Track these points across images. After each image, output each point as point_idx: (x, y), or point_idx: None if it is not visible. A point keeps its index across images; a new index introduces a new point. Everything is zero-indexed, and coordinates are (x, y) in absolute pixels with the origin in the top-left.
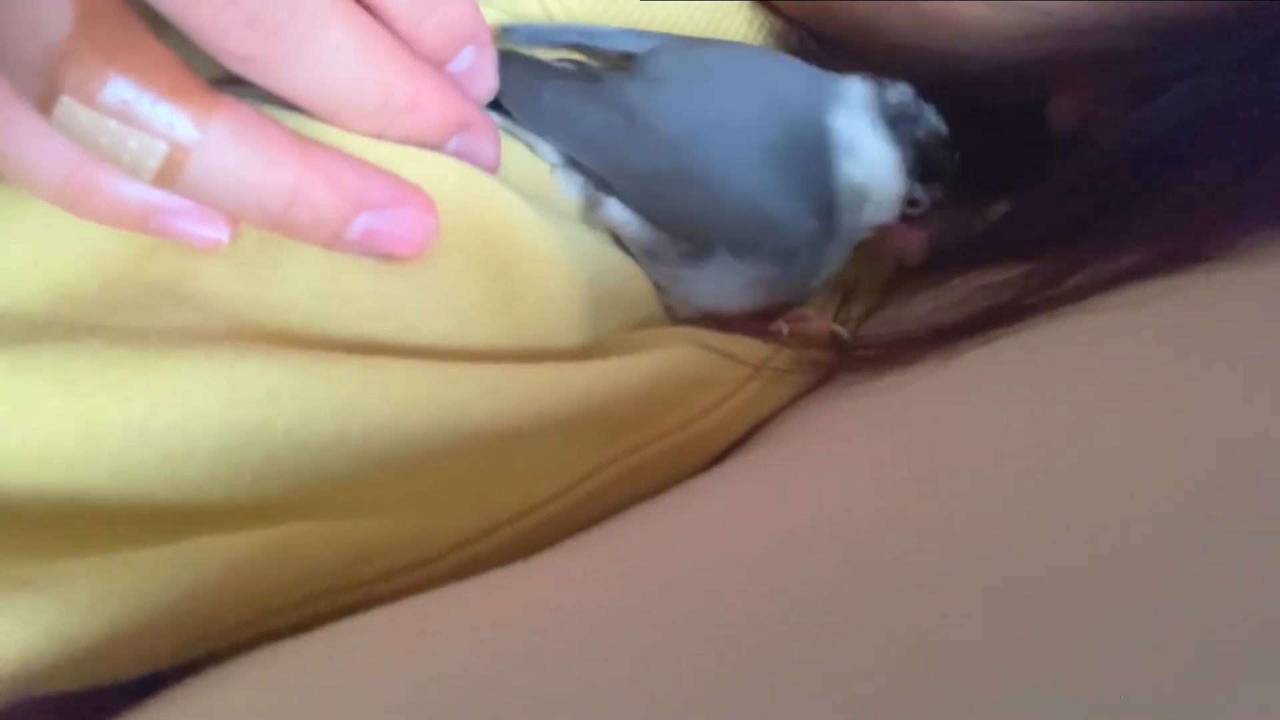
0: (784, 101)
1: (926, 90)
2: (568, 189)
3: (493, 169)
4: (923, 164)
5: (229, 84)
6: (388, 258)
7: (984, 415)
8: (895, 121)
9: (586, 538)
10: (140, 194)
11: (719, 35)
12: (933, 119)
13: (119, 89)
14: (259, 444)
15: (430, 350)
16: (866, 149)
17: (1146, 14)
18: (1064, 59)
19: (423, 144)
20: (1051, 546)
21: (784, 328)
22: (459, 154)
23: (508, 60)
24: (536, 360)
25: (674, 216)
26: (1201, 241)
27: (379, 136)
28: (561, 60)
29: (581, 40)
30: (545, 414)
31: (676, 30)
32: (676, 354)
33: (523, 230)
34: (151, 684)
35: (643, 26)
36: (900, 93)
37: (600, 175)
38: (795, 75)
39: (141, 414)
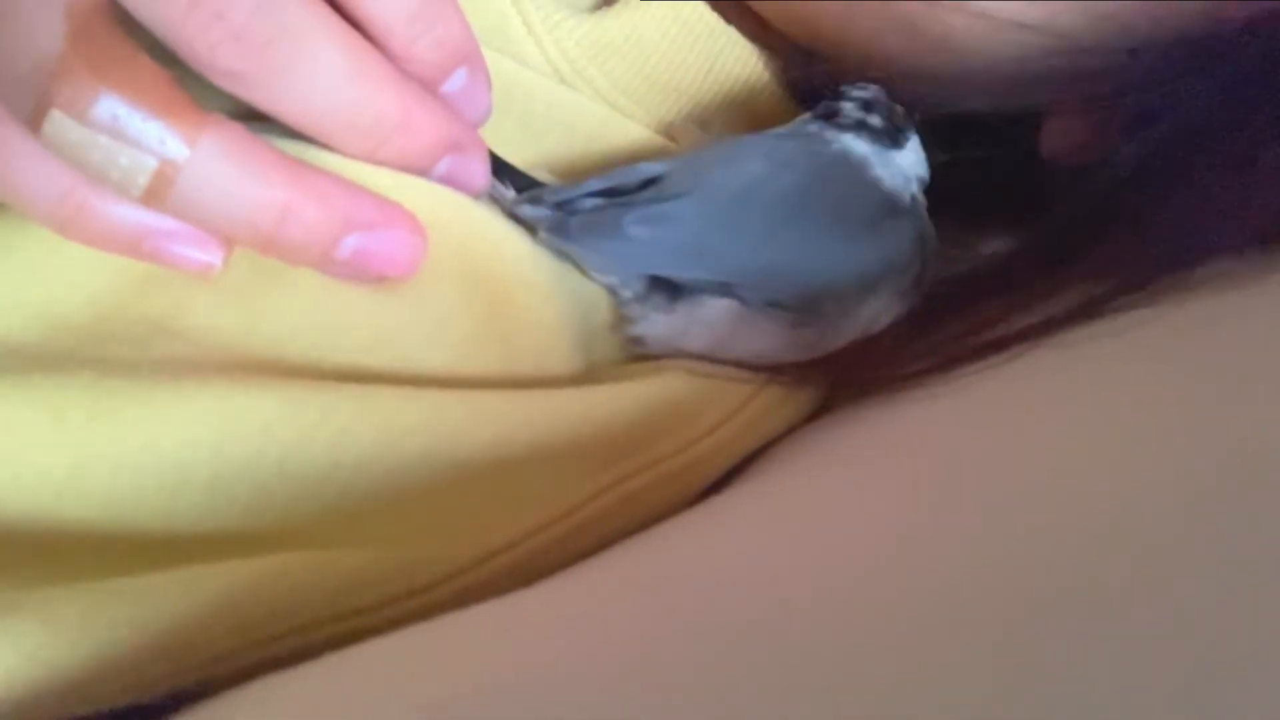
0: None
1: (922, 118)
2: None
3: (481, 192)
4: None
5: (248, 119)
6: (377, 279)
7: (1002, 439)
8: (886, 113)
9: (589, 566)
10: (133, 217)
11: (710, 70)
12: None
13: (110, 105)
14: (251, 475)
15: (425, 379)
16: (890, 151)
17: (1142, 34)
18: (1058, 80)
19: (414, 164)
20: (1071, 567)
21: None
22: (450, 175)
23: (578, 209)
24: (532, 388)
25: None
26: (1201, 263)
27: (370, 156)
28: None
29: (606, 185)
30: (539, 441)
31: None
32: (670, 380)
33: (516, 263)
34: (142, 716)
35: (633, 56)
36: (871, 91)
37: (710, 280)
38: (787, 132)
39: (133, 446)
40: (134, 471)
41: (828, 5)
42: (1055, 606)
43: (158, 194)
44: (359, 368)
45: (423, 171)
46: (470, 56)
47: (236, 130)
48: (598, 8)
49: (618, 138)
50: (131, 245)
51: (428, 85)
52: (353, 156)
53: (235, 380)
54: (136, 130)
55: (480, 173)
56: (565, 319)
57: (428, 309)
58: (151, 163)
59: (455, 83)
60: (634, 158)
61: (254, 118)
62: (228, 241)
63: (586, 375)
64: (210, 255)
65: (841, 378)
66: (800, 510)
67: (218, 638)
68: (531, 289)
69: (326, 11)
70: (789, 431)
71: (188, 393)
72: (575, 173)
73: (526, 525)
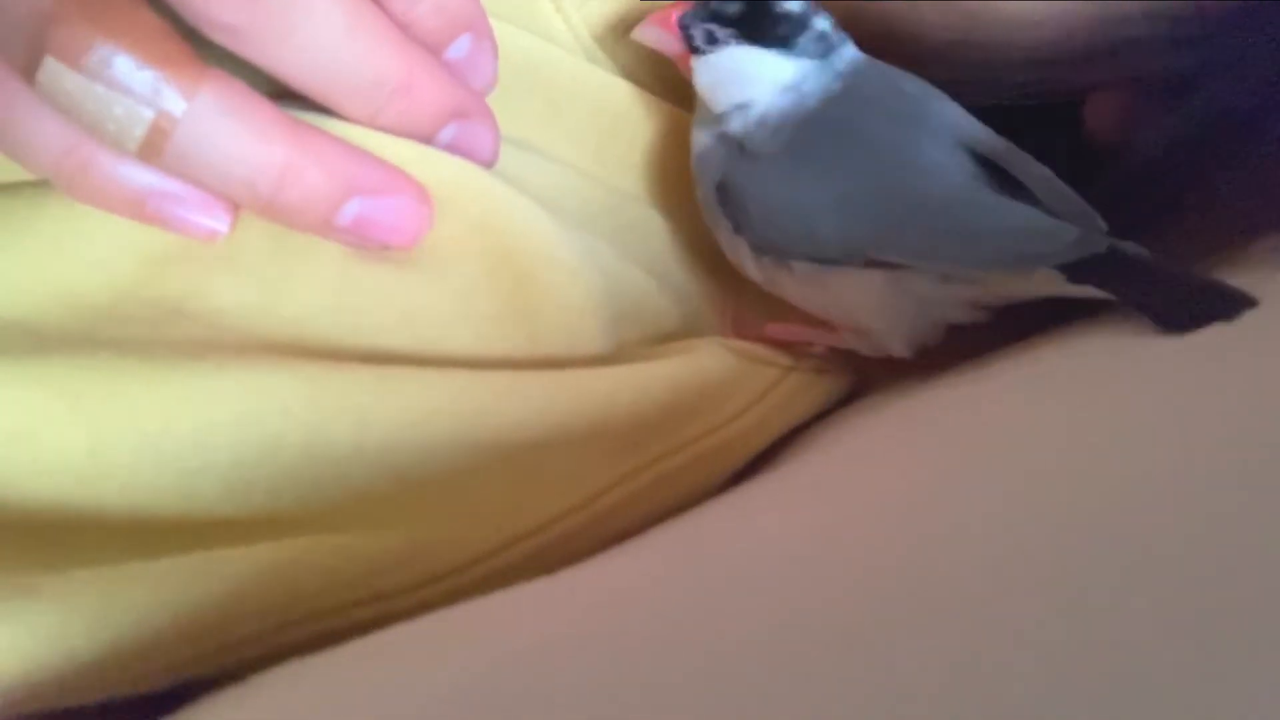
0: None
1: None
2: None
3: (490, 161)
4: None
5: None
6: (381, 247)
7: (1042, 420)
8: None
9: (621, 551)
10: (138, 176)
11: None
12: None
13: (104, 53)
14: (272, 457)
15: (448, 360)
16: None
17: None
18: (1101, 52)
19: (417, 129)
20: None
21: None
22: (456, 143)
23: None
24: (558, 368)
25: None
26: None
27: (372, 119)
28: None
29: None
30: (566, 423)
31: None
32: (700, 359)
33: (541, 239)
34: (165, 703)
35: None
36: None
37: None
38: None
39: (152, 428)
40: (153, 454)
41: None
42: (1105, 587)
43: (154, 147)
44: (381, 348)
45: (427, 137)
46: (474, 23)
47: (238, 87)
48: None
49: (645, 116)
50: (135, 206)
51: (431, 51)
52: (355, 120)
53: (255, 361)
54: (130, 78)
55: (488, 141)
56: (593, 297)
57: (451, 288)
58: (147, 114)
59: (458, 49)
60: (662, 136)
61: (286, 97)
62: (234, 207)
63: (614, 355)
64: (215, 220)
65: (872, 363)
66: (840, 496)
67: (237, 623)
68: (558, 266)
69: None
70: (819, 416)
71: (207, 374)
72: (602, 151)
73: (553, 509)
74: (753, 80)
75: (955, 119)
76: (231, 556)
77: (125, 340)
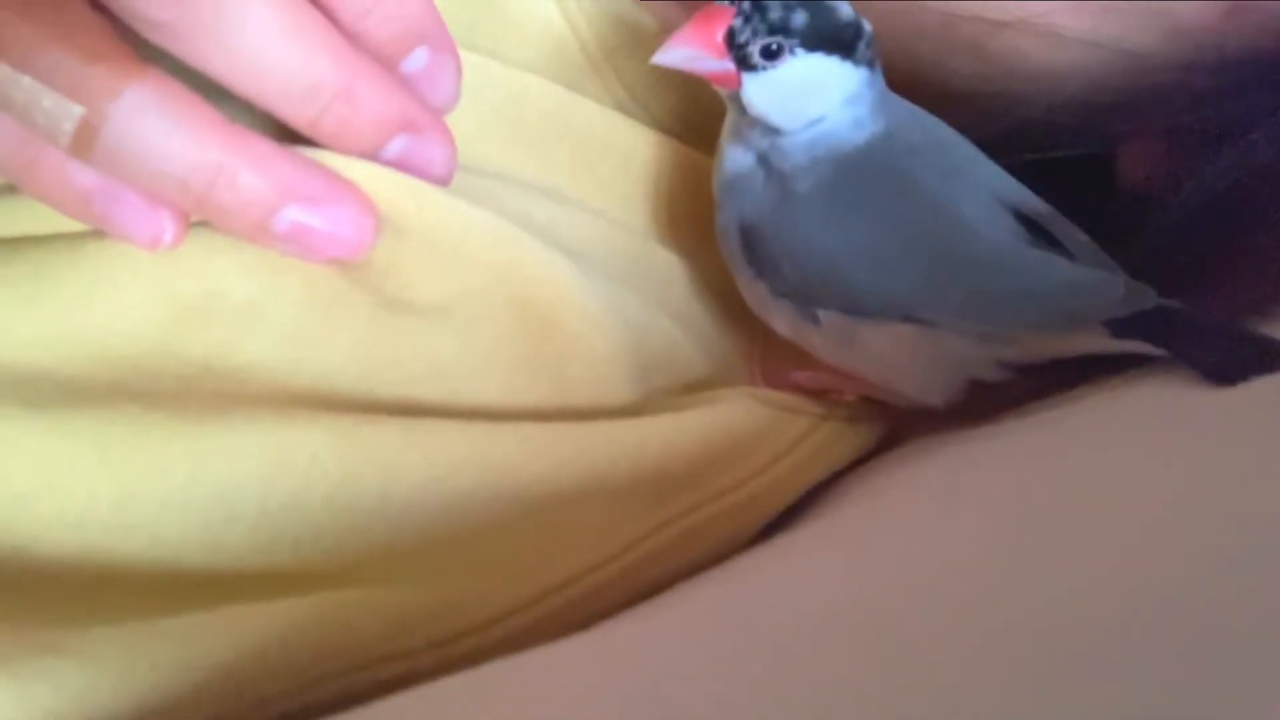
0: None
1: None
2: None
3: (444, 179)
4: None
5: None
6: (323, 259)
7: (1089, 473)
8: None
9: (653, 609)
10: (84, 177)
11: None
12: None
13: (26, 45)
14: (299, 511)
15: (476, 412)
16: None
17: (1215, 50)
18: (1133, 101)
19: (361, 140)
20: (1168, 606)
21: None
22: (404, 158)
23: None
24: (586, 419)
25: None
26: None
27: (312, 127)
28: None
29: None
30: (594, 474)
31: None
32: (729, 409)
33: (568, 289)
34: None
35: (690, 85)
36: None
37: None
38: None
39: (179, 481)
40: (180, 507)
41: (891, 29)
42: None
43: (84, 143)
44: (409, 400)
45: (372, 151)
46: (431, 37)
47: (173, 86)
48: (657, 36)
49: (675, 166)
50: (83, 205)
51: (385, 65)
52: (294, 127)
53: (282, 413)
54: (50, 72)
55: (441, 158)
56: (620, 347)
57: (479, 339)
58: (76, 109)
59: (414, 63)
60: (691, 186)
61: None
62: (180, 216)
63: (642, 406)
64: (157, 227)
65: (906, 412)
66: (883, 551)
67: (261, 681)
68: (585, 316)
69: None
70: (852, 466)
71: (234, 426)
72: (630, 200)
73: (581, 563)
74: (825, 92)
75: (994, 176)
76: (257, 612)
77: (153, 393)
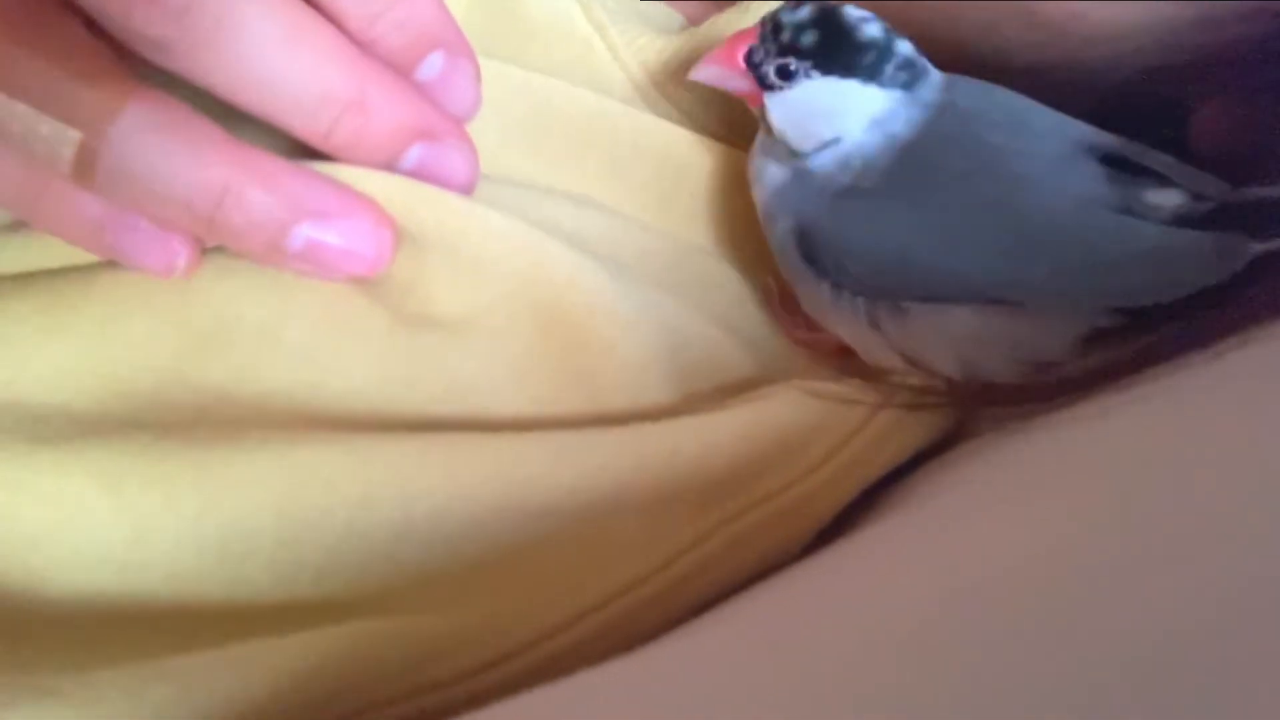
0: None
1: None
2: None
3: (466, 187)
4: None
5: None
6: (342, 277)
7: (1176, 463)
8: None
9: (704, 627)
10: (94, 207)
11: None
12: None
13: (21, 69)
14: (318, 536)
15: (504, 425)
16: None
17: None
18: (1205, 60)
19: (376, 151)
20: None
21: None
22: (422, 167)
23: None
24: (617, 424)
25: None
26: None
27: (324, 141)
28: None
29: None
30: (629, 482)
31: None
32: (774, 405)
33: (595, 293)
34: None
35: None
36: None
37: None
38: None
39: (191, 512)
40: (194, 540)
41: (936, 2)
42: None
43: (85, 168)
44: (430, 417)
45: (389, 161)
46: (445, 42)
47: (173, 105)
48: (683, 29)
49: (709, 163)
50: (94, 236)
51: (397, 72)
52: (307, 141)
53: (297, 436)
54: (46, 96)
55: (462, 166)
56: (653, 351)
57: (502, 351)
58: (73, 134)
59: (429, 69)
60: (728, 183)
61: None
62: (192, 242)
63: (680, 407)
64: (170, 254)
65: (974, 399)
66: (963, 556)
67: (278, 719)
68: (614, 321)
69: None
70: (916, 460)
71: (247, 452)
72: (665, 202)
73: (621, 579)
74: (840, 114)
75: (1066, 123)
76: (274, 648)
77: (167, 423)
